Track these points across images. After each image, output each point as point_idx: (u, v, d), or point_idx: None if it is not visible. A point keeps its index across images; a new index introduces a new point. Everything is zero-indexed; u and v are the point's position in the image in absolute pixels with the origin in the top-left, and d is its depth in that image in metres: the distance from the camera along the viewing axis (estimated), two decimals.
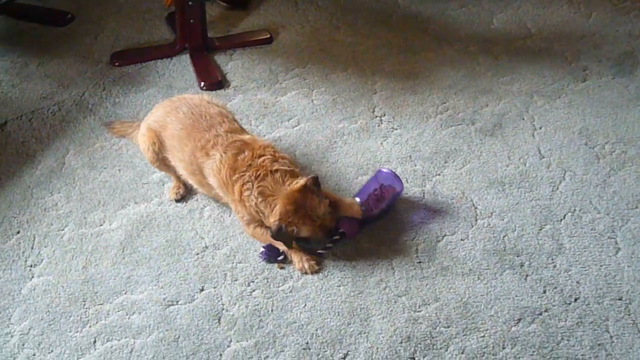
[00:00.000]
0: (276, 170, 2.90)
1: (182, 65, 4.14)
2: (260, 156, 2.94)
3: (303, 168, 3.40)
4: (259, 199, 2.88)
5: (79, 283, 2.92)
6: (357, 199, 3.11)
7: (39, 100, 3.87)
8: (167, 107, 3.19)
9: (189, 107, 3.12)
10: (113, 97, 3.90)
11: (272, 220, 2.87)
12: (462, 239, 3.06)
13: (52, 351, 2.68)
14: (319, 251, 3.01)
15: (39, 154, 3.53)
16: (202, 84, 3.97)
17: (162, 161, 3.19)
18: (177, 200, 3.26)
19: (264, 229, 3.01)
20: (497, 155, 3.49)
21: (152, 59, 4.18)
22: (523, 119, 3.71)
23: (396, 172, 3.19)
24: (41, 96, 3.90)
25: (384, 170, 3.21)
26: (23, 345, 2.71)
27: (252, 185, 2.88)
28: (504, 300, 2.81)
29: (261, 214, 2.93)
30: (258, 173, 2.89)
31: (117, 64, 4.14)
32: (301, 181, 2.88)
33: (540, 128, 3.65)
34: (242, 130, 3.14)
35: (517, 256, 2.98)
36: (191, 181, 3.17)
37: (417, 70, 4.10)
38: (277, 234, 2.87)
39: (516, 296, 2.82)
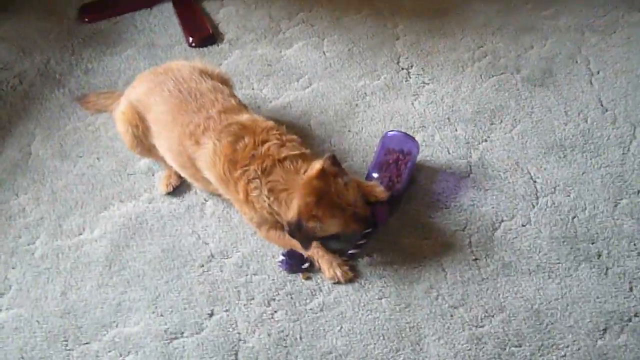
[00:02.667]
0: (284, 158, 2.40)
1: (165, 17, 3.60)
2: (263, 142, 2.43)
3: (321, 141, 2.94)
4: (271, 198, 2.37)
5: (58, 315, 2.46)
6: (375, 175, 2.63)
7: None
8: (150, 82, 2.68)
9: (176, 82, 2.62)
10: (84, 62, 3.36)
11: (290, 217, 2.35)
12: (523, 225, 2.61)
13: None
14: (349, 252, 2.53)
15: None
16: (191, 39, 3.42)
17: (144, 147, 2.70)
18: (170, 193, 2.76)
19: (279, 231, 2.51)
20: (552, 110, 3.01)
21: (129, 11, 3.67)
22: (576, 62, 3.22)
23: (406, 132, 2.80)
24: None
25: (392, 132, 2.80)
26: None
27: (260, 182, 2.38)
28: (583, 304, 2.38)
29: (277, 216, 2.41)
30: (264, 165, 2.39)
31: (86, 19, 3.62)
32: (317, 164, 2.36)
33: (598, 72, 3.16)
34: (241, 109, 2.62)
35: (592, 243, 2.55)
36: (184, 175, 2.68)
37: (444, 7, 3.57)
38: (295, 232, 2.35)
39: (597, 297, 2.40)
